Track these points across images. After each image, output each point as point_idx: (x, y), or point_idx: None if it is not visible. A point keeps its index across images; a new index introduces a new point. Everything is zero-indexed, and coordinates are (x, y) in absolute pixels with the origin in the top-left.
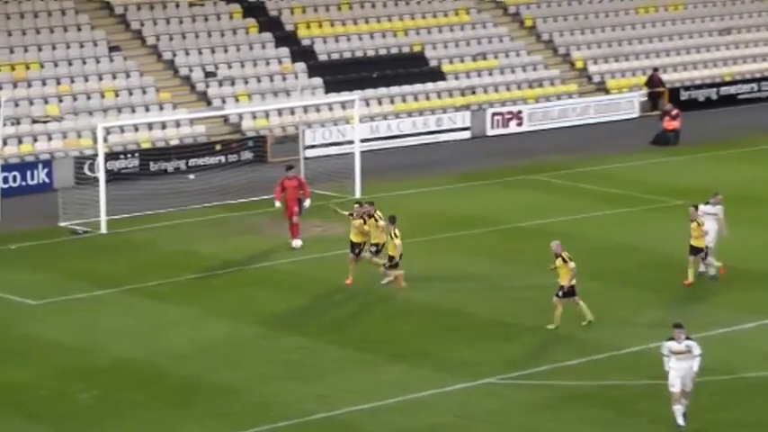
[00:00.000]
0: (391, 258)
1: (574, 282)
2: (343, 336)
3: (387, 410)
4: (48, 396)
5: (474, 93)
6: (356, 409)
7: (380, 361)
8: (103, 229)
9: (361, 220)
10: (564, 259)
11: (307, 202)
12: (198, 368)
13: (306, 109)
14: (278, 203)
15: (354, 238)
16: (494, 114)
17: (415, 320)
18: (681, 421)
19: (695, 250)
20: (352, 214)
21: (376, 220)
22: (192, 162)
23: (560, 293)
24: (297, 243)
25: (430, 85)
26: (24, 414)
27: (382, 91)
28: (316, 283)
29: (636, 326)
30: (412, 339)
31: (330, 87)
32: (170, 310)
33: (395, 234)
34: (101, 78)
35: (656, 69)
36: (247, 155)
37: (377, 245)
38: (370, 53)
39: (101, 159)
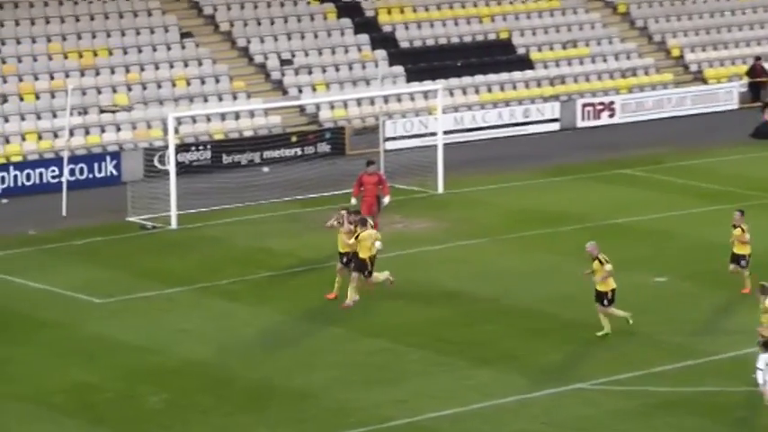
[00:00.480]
0: (363, 263)
1: (614, 285)
2: (425, 338)
3: (469, 417)
4: (114, 399)
5: (563, 82)
6: (437, 415)
7: (463, 364)
8: (173, 225)
9: (351, 228)
10: (600, 261)
11: (386, 200)
12: (271, 371)
13: (386, 99)
14: (354, 200)
15: (341, 247)
16: (584, 105)
17: (499, 322)
18: None
19: (738, 258)
20: (341, 222)
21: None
22: (267, 154)
23: (605, 302)
24: (377, 245)
25: (517, 74)
26: (90, 418)
27: (467, 80)
28: (395, 282)
29: (731, 331)
30: (496, 342)
31: (412, 76)
32: (242, 309)
33: (357, 237)
34: (172, 66)
35: (758, 58)
36: (324, 147)
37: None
38: (455, 40)
39: (171, 151)
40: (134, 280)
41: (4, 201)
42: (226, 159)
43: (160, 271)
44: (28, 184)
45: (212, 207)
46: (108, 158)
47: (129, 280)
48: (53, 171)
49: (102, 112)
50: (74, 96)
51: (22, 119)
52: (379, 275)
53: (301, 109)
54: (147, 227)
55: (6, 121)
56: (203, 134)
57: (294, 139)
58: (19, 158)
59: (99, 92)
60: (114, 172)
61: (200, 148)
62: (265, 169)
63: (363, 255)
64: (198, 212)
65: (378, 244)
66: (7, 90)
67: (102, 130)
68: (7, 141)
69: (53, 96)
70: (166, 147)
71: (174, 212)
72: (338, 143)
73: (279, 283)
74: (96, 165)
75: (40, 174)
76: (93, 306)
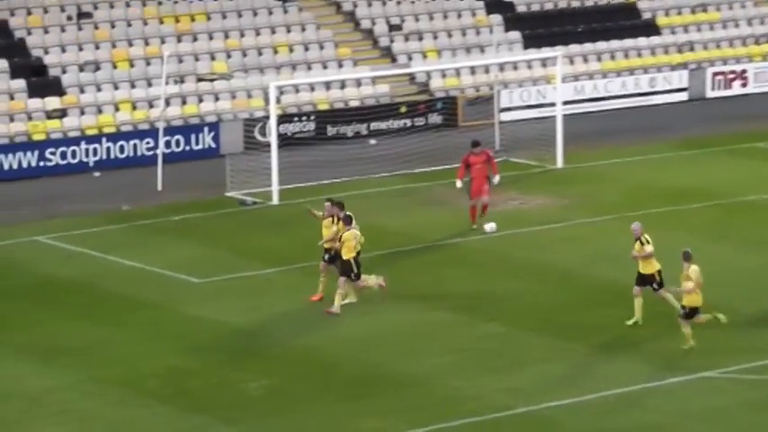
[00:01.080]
0: (347, 265)
1: (658, 267)
2: (542, 322)
3: (590, 406)
4: (211, 385)
5: (692, 49)
6: (556, 404)
7: (583, 351)
8: (275, 200)
9: (330, 220)
10: (642, 242)
11: (496, 179)
12: (378, 357)
13: (502, 67)
14: (459, 183)
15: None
16: (715, 74)
17: (621, 306)
18: None
19: None
20: (332, 216)
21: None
22: (374, 126)
23: (655, 285)
24: (491, 227)
25: (642, 41)
26: (185, 404)
27: (588, 47)
28: (511, 263)
29: None
30: (617, 327)
31: (529, 42)
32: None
33: (341, 237)
34: (273, 32)
35: None
36: (435, 118)
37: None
38: (575, 4)
39: (273, 122)
40: (233, 258)
41: (97, 174)
42: (330, 131)
43: (261, 249)
44: (121, 156)
45: (316, 182)
46: (206, 130)
47: (228, 258)
48: (148, 143)
49: (199, 80)
50: (170, 64)
51: (116, 88)
52: (369, 279)
53: (411, 77)
54: (247, 202)
55: (99, 89)
56: (307, 104)
57: (403, 109)
58: (112, 129)
59: (196, 59)
60: (212, 144)
61: (304, 118)
62: (372, 141)
63: (347, 256)
64: (301, 187)
65: (489, 227)
66: (100, 57)
67: (200, 100)
68: (100, 111)
69: (148, 64)
70: (268, 117)
71: (275, 187)
72: (450, 114)
73: (386, 262)
74: (193, 136)
75: (134, 146)
76: (191, 286)
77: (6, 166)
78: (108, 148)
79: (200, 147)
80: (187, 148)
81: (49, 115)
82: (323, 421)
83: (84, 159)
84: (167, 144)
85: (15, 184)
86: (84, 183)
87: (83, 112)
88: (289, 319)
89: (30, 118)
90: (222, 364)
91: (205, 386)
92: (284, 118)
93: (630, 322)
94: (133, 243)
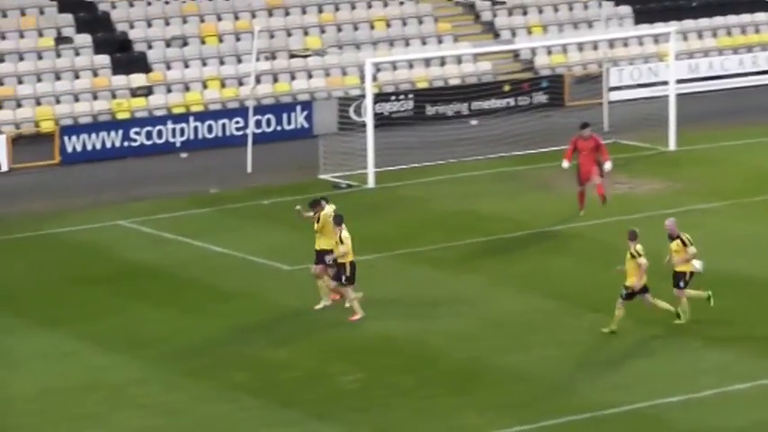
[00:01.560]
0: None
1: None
2: (651, 313)
3: (702, 404)
4: (303, 378)
5: None
6: (665, 401)
7: (695, 345)
8: (371, 183)
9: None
10: (684, 242)
11: (607, 165)
12: (479, 350)
13: (611, 43)
14: (566, 164)
15: (318, 244)
16: None
17: (737, 298)
18: None
19: None
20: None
21: (317, 221)
22: (476, 105)
23: (681, 284)
24: (700, 264)
25: (761, 16)
26: (276, 398)
27: (703, 22)
28: (619, 252)
29: None
30: (733, 319)
31: (640, 18)
32: (448, 279)
33: (341, 239)
34: (370, 6)
35: None
36: (540, 97)
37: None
38: None
39: (369, 101)
40: None
41: (183, 155)
42: (429, 110)
43: (355, 235)
44: (209, 136)
45: (414, 164)
46: (298, 109)
47: None
48: (237, 122)
49: (291, 56)
50: (261, 39)
51: (204, 64)
52: (353, 294)
53: (515, 54)
54: (341, 185)
55: (186, 66)
56: (404, 82)
57: (506, 88)
58: (200, 108)
59: (289, 34)
60: (305, 124)
61: (401, 97)
62: (474, 122)
63: (345, 260)
64: (398, 170)
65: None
66: (187, 32)
67: (292, 77)
68: (187, 89)
69: (238, 39)
70: (363, 96)
71: (371, 170)
72: (556, 93)
73: (488, 249)
74: (285, 116)
75: (223, 125)
76: (281, 274)
77: (89, 147)
78: (195, 128)
79: (291, 127)
80: (278, 128)
81: (134, 93)
82: (421, 417)
83: (171, 139)
84: (257, 124)
85: (98, 166)
86: (170, 164)
87: (169, 90)
88: (386, 309)
89: (114, 96)
90: (314, 356)
91: (296, 379)
92: (381, 97)
93: (680, 321)
94: (221, 228)
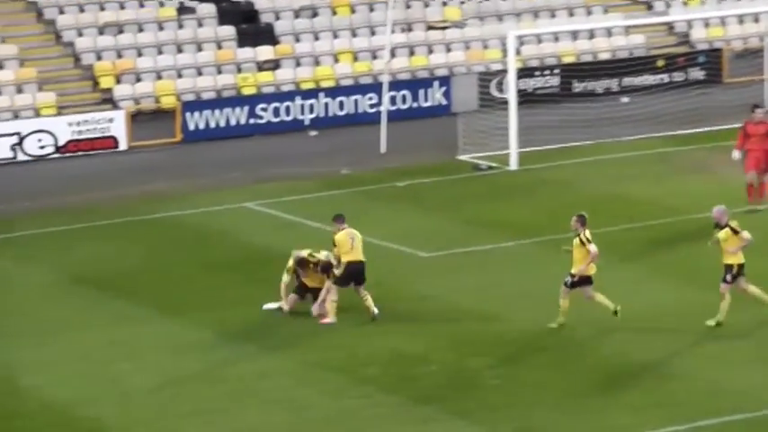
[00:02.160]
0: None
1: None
2: None
3: None
4: (441, 373)
5: None
6: None
7: None
8: (513, 165)
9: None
10: (734, 230)
11: None
12: (628, 344)
13: None
14: (737, 154)
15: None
16: None
17: None
18: None
19: None
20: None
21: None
22: (627, 81)
23: (728, 277)
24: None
25: None
26: (412, 394)
27: None
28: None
29: None
30: None
31: None
32: (598, 268)
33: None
34: None
35: None
36: (697, 73)
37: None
38: None
39: (512, 77)
40: (466, 230)
41: (313, 133)
42: (577, 87)
43: (497, 220)
44: (341, 113)
45: (560, 144)
46: (436, 84)
47: (461, 230)
48: (370, 99)
49: (429, 28)
50: (396, 9)
51: (335, 36)
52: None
53: (669, 27)
54: (482, 167)
55: (316, 38)
56: (550, 56)
57: (660, 63)
58: (330, 83)
59: (426, 4)
60: (443, 101)
61: (546, 72)
62: (625, 99)
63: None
64: (542, 150)
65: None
66: (317, 2)
67: (430, 51)
68: (317, 63)
69: (371, 9)
70: (506, 71)
71: (513, 150)
72: (714, 69)
73: (638, 237)
74: (422, 92)
75: (355, 102)
76: (417, 261)
77: (213, 124)
78: (325, 105)
79: (429, 104)
80: (414, 104)
81: (261, 67)
82: (569, 416)
83: (299, 117)
84: (392, 100)
85: (222, 144)
86: (298, 143)
87: (298, 64)
88: (528, 300)
89: (239, 70)
90: (453, 350)
91: (433, 374)
92: (524, 72)
93: (712, 322)
94: (353, 211)
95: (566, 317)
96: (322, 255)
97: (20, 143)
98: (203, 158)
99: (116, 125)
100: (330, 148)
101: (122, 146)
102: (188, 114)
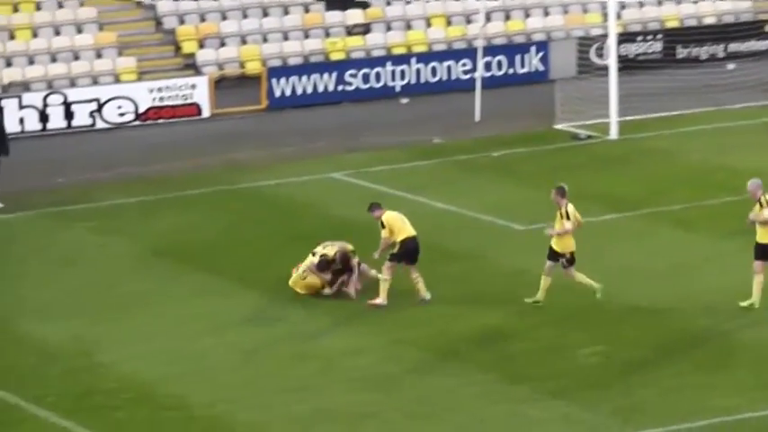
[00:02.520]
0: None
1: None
2: None
3: None
4: (537, 350)
5: None
6: None
7: None
8: (613, 134)
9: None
10: (761, 204)
11: None
12: (731, 322)
13: None
14: None
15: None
16: None
17: None
18: None
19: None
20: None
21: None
22: (732, 47)
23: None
24: None
25: None
26: (507, 372)
27: None
28: None
29: None
30: None
31: None
32: (698, 243)
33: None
34: None
35: None
36: None
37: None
38: None
39: (612, 42)
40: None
41: (404, 101)
42: (680, 53)
43: (596, 191)
44: (433, 80)
45: (662, 113)
46: (533, 50)
47: None
48: (464, 65)
49: None
50: None
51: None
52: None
53: None
54: (581, 136)
55: (408, 2)
56: (652, 21)
57: None
58: (423, 49)
59: None
60: (540, 67)
61: (649, 38)
62: (730, 66)
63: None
64: (644, 119)
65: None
66: None
67: (526, 15)
68: (408, 27)
69: None
70: (606, 36)
71: (614, 119)
72: None
73: (744, 210)
74: (518, 58)
75: (448, 68)
76: (513, 234)
77: (299, 91)
78: (417, 71)
79: (525, 70)
80: (510, 71)
81: (350, 31)
82: (668, 396)
83: (390, 83)
84: (487, 66)
85: (309, 112)
86: (388, 111)
87: (389, 28)
88: (633, 275)
89: (327, 34)
90: (549, 326)
91: (528, 352)
92: (625, 37)
93: (746, 304)
94: (445, 182)
95: (538, 297)
96: (328, 249)
97: (99, 110)
98: (289, 126)
99: (199, 92)
100: (421, 116)
101: (205, 113)
102: (273, 80)
